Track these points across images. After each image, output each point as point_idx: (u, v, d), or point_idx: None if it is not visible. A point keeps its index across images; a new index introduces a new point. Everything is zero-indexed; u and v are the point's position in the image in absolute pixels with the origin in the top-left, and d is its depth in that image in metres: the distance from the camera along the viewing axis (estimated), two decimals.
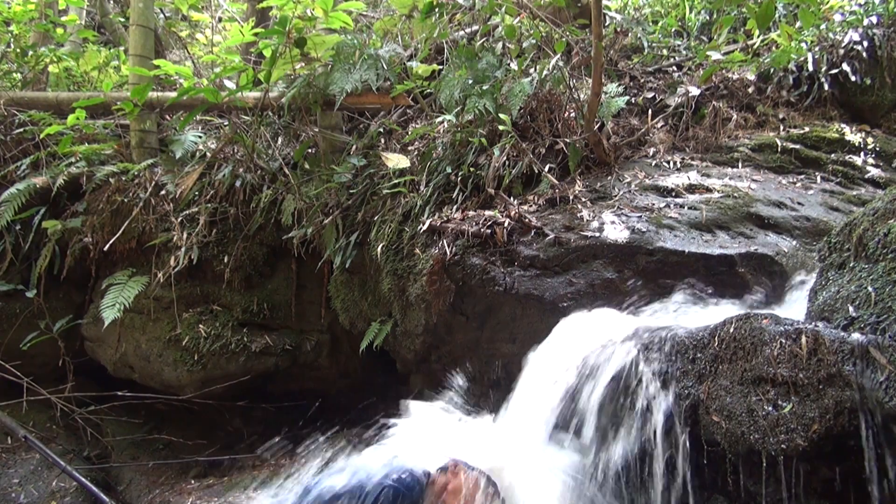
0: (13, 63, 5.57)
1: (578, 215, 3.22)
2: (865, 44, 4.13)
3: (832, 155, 3.80)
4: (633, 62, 4.67)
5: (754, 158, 3.76)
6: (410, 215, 3.73)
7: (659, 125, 4.02)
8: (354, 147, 4.57)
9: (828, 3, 4.35)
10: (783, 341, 1.86)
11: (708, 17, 4.85)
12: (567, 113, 3.84)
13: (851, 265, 2.10)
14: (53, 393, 4.20)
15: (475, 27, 4.74)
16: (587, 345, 2.48)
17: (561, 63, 3.80)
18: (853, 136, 3.90)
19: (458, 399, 3.25)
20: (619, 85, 4.13)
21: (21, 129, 4.78)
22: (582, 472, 2.31)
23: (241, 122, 4.71)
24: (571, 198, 3.38)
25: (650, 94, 4.25)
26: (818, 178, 3.67)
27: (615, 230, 3.04)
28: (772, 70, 4.26)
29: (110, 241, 4.27)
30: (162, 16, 6.67)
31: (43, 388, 4.17)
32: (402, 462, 2.38)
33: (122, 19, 6.69)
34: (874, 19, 4.20)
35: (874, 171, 3.73)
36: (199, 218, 4.36)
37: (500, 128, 3.58)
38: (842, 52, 4.16)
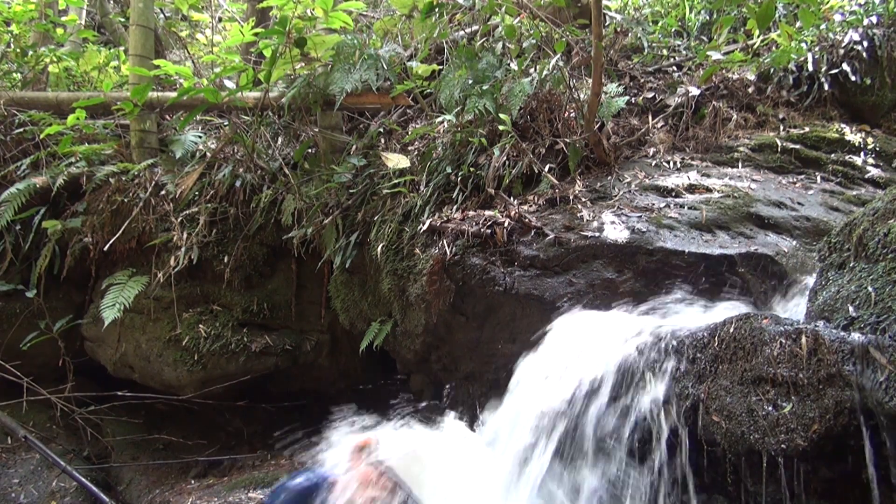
0: (13, 63, 5.56)
1: (578, 215, 3.22)
2: (865, 44, 4.12)
3: (832, 155, 3.80)
4: (633, 62, 4.66)
5: (754, 158, 3.76)
6: (410, 215, 3.73)
7: (659, 125, 4.02)
8: (354, 147, 4.56)
9: (828, 3, 4.35)
10: (783, 341, 1.86)
11: (708, 17, 4.85)
12: (567, 113, 3.83)
13: (851, 265, 2.10)
14: (53, 393, 4.20)
15: (475, 27, 4.74)
16: (587, 345, 2.48)
17: (561, 63, 3.80)
18: (853, 136, 3.90)
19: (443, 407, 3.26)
20: (619, 85, 4.13)
21: (21, 129, 4.78)
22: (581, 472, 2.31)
23: (241, 122, 4.71)
24: (571, 198, 3.38)
25: (650, 94, 4.25)
26: (818, 178, 3.66)
27: (615, 230, 3.04)
28: (772, 70, 4.26)
29: (110, 241, 4.27)
30: (162, 16, 6.68)
31: (43, 388, 4.17)
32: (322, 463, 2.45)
33: (122, 19, 6.69)
34: (874, 19, 4.20)
35: (874, 171, 3.73)
36: (199, 218, 4.36)
37: (500, 128, 3.58)
38: (842, 52, 4.16)
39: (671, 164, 3.70)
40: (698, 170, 3.62)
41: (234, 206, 4.44)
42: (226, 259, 4.36)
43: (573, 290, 2.96)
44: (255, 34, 4.10)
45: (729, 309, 2.70)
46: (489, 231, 3.20)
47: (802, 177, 3.68)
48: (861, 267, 2.03)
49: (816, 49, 4.21)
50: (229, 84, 4.16)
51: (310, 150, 4.66)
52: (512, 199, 3.53)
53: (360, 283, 4.14)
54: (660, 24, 4.85)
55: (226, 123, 4.97)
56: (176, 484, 3.88)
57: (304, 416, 4.77)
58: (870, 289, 1.88)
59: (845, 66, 4.09)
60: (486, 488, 2.44)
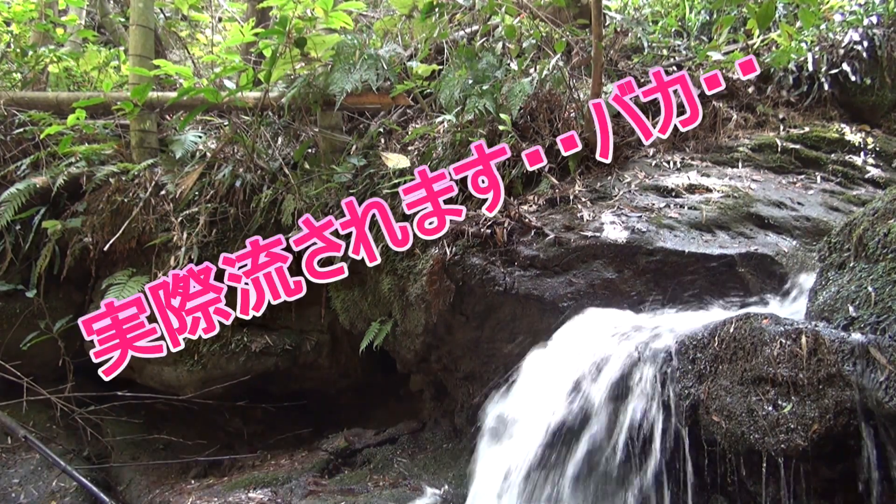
0: (13, 63, 5.56)
1: (578, 215, 3.22)
2: (865, 44, 4.13)
3: (832, 155, 3.80)
4: (633, 62, 4.66)
5: (754, 158, 3.76)
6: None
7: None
8: (354, 147, 4.56)
9: (828, 3, 4.35)
10: (783, 341, 1.87)
11: (708, 17, 4.85)
12: (567, 113, 3.83)
13: (851, 265, 2.10)
14: (53, 393, 4.19)
15: (475, 27, 4.74)
16: (587, 346, 2.48)
17: (561, 63, 3.80)
18: (853, 136, 3.90)
19: None
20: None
21: (21, 129, 4.78)
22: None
23: (241, 122, 4.71)
24: (571, 198, 3.39)
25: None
26: (818, 178, 3.67)
27: (615, 230, 3.04)
28: (772, 70, 4.26)
29: (110, 241, 4.26)
30: (162, 16, 6.67)
31: (43, 388, 4.16)
32: None
33: (122, 19, 6.68)
34: (874, 19, 4.21)
35: (874, 171, 3.74)
36: (199, 218, 4.35)
37: (500, 128, 3.58)
38: (842, 52, 4.16)
39: (671, 164, 3.70)
40: (698, 170, 3.62)
41: (234, 206, 4.43)
42: None
43: (573, 290, 2.97)
44: (255, 34, 4.10)
45: (728, 309, 2.71)
46: (489, 231, 3.20)
47: (802, 177, 3.68)
48: (861, 267, 2.03)
49: (816, 49, 4.21)
50: (229, 84, 4.15)
51: (310, 150, 4.66)
52: (512, 199, 3.53)
53: (359, 283, 4.14)
54: (660, 24, 4.85)
55: (226, 123, 4.96)
56: (176, 484, 3.88)
57: (304, 417, 4.77)
58: (870, 289, 1.89)
59: (845, 66, 4.10)
60: None
